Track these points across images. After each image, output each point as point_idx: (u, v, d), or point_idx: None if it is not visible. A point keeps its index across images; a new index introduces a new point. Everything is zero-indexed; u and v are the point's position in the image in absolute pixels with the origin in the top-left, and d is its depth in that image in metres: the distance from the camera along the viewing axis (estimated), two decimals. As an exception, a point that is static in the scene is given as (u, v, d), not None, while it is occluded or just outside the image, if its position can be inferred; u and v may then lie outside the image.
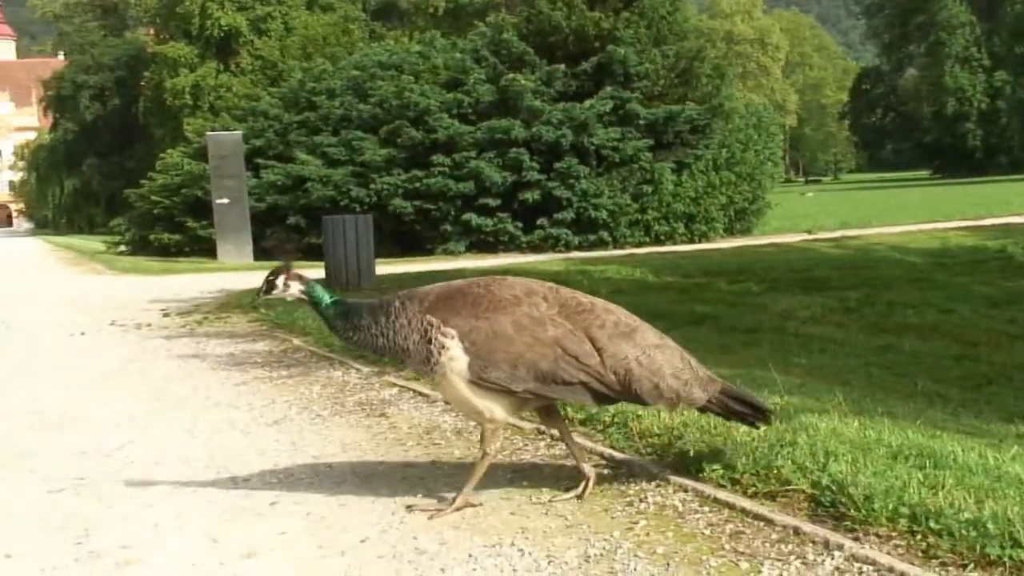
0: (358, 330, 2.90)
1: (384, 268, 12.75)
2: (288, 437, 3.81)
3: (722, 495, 2.73)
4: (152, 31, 67.80)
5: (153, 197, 22.14)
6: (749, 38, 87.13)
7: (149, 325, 8.00)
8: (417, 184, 19.27)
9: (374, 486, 3.10)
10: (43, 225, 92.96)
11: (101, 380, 5.41)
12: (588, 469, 2.92)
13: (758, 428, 3.00)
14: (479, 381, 2.77)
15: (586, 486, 2.88)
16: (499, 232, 19.53)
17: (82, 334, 7.64)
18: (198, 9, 53.96)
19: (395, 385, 4.72)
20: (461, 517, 2.75)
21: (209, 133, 20.27)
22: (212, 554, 2.54)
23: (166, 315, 8.70)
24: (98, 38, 77.24)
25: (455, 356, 2.75)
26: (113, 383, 5.28)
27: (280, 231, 19.47)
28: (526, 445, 3.51)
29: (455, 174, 19.32)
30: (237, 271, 15.66)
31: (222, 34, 54.12)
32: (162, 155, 24.98)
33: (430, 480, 3.16)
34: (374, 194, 19.18)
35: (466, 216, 19.36)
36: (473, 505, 2.83)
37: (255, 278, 12.73)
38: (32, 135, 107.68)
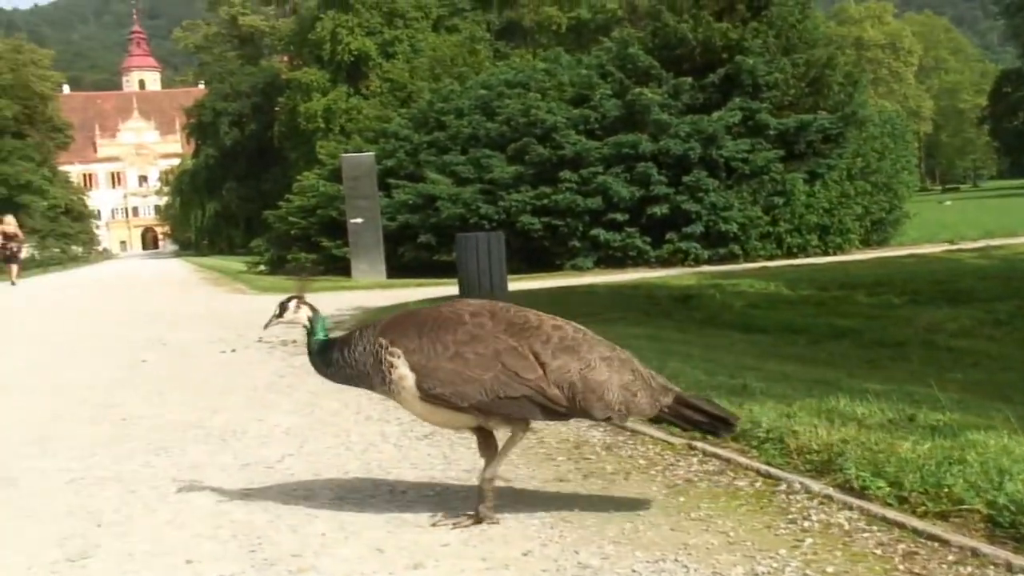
0: (330, 364, 3.03)
1: (514, 284, 12.82)
2: (440, 451, 3.87)
3: (891, 514, 2.65)
4: (286, 58, 70.14)
5: (290, 218, 22.84)
6: (880, 43, 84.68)
7: (295, 342, 8.22)
8: (545, 200, 19.37)
9: (529, 500, 3.13)
10: (186, 247, 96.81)
11: (254, 395, 5.59)
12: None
13: (721, 437, 3.02)
14: (428, 398, 2.85)
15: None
16: (627, 247, 19.46)
17: (232, 351, 7.92)
18: (329, 35, 55.48)
19: (539, 400, 4.75)
20: (621, 532, 2.74)
21: (343, 155, 20.80)
22: (380, 564, 2.61)
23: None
24: (236, 67, 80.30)
25: (404, 375, 2.85)
26: (266, 398, 5.46)
27: (409, 248, 19.82)
28: (678, 461, 3.48)
29: (583, 190, 19.35)
30: (371, 289, 15.98)
31: (352, 59, 55.49)
32: (298, 177, 25.76)
33: (583, 495, 3.17)
34: (503, 211, 19.35)
35: (594, 231, 19.36)
36: (493, 521, 2.89)
37: (389, 296, 12.98)
38: (176, 161, 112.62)
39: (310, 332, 3.14)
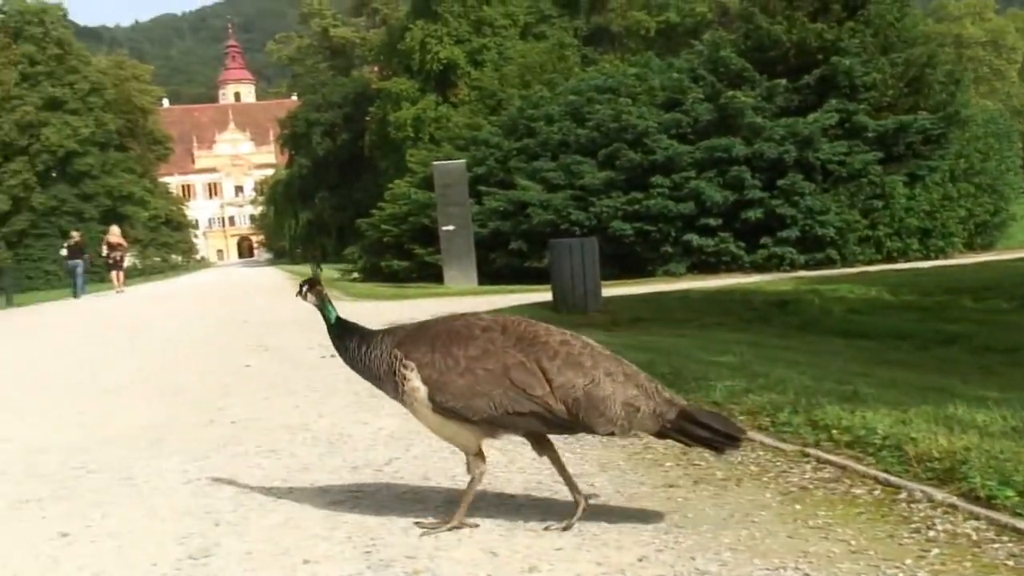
0: (346, 351, 3.18)
1: (606, 290, 12.74)
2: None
3: (1021, 524, 2.55)
4: (376, 68, 71.15)
5: (383, 226, 23.12)
6: (981, 40, 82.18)
7: (392, 348, 8.31)
8: (637, 206, 19.27)
9: (640, 506, 3.11)
10: (280, 255, 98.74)
11: (356, 399, 5.65)
12: (581, 498, 2.99)
13: (723, 454, 3.01)
14: (440, 411, 2.93)
15: (575, 514, 2.95)
16: (721, 252, 19.25)
17: (332, 356, 7.97)
18: (418, 45, 56.05)
19: (642, 405, 4.71)
20: (737, 539, 2.70)
21: (435, 163, 20.98)
22: (494, 567, 2.62)
23: (406, 338, 9.03)
24: (327, 78, 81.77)
25: (416, 387, 2.93)
26: (368, 402, 5.51)
27: (501, 255, 19.92)
28: (791, 468, 3.42)
29: (675, 195, 19.21)
30: (463, 296, 16.06)
31: (441, 67, 55.97)
32: (389, 186, 26.07)
33: (695, 501, 3.13)
34: (594, 217, 19.31)
35: (687, 236, 19.20)
36: (469, 526, 2.97)
37: (481, 302, 13.04)
38: (270, 171, 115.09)
39: (324, 315, 3.32)
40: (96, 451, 4.67)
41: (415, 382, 2.93)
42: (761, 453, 3.64)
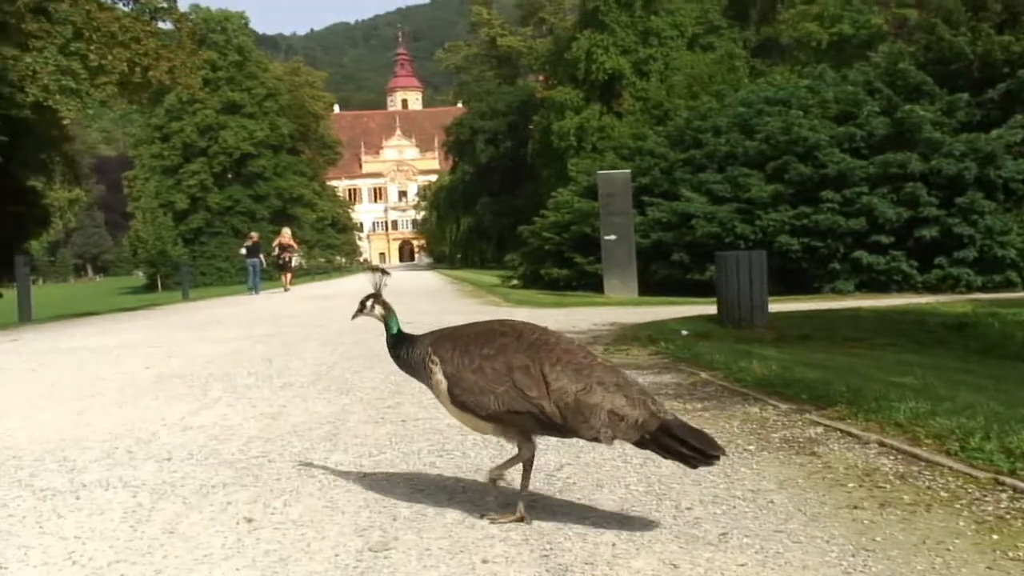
0: (398, 357, 3.47)
1: (773, 306, 12.45)
2: (720, 469, 3.79)
3: None
4: (541, 78, 71.73)
5: (544, 234, 23.24)
6: None
7: (555, 354, 8.34)
8: (805, 220, 18.79)
9: (824, 525, 3.01)
10: (440, 260, 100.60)
11: (524, 404, 5.69)
12: (522, 505, 3.24)
13: (695, 468, 3.12)
14: (456, 403, 3.22)
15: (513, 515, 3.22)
16: (892, 271, 18.57)
17: (496, 360, 8.10)
18: (584, 55, 56.22)
19: (819, 424, 4.58)
20: (931, 566, 2.58)
21: (599, 172, 20.97)
22: (676, 579, 2.58)
23: (568, 345, 9.06)
24: (493, 86, 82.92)
25: (440, 380, 3.23)
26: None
27: (662, 266, 19.75)
28: (984, 495, 3.25)
29: (845, 210, 18.65)
30: (624, 305, 15.98)
31: (606, 77, 56.00)
32: (552, 194, 26.19)
33: (882, 524, 3.01)
34: (759, 231, 18.92)
35: (856, 253, 18.61)
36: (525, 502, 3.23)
37: (642, 313, 12.93)
38: (434, 177, 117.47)
39: (387, 326, 3.51)
40: (276, 442, 4.86)
41: (439, 375, 3.23)
42: (950, 479, 3.47)
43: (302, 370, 8.01)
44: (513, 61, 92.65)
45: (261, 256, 31.65)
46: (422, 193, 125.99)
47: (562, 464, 4.02)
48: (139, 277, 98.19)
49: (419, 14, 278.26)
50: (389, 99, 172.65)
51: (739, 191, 19.60)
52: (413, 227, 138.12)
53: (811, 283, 18.99)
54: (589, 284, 20.73)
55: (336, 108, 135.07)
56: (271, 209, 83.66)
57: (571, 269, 21.92)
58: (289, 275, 32.01)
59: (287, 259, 31.63)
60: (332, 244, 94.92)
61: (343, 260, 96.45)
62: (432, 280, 40.08)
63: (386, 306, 3.53)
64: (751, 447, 4.21)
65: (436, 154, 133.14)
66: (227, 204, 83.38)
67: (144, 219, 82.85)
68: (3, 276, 25.11)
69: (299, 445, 4.74)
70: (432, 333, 3.41)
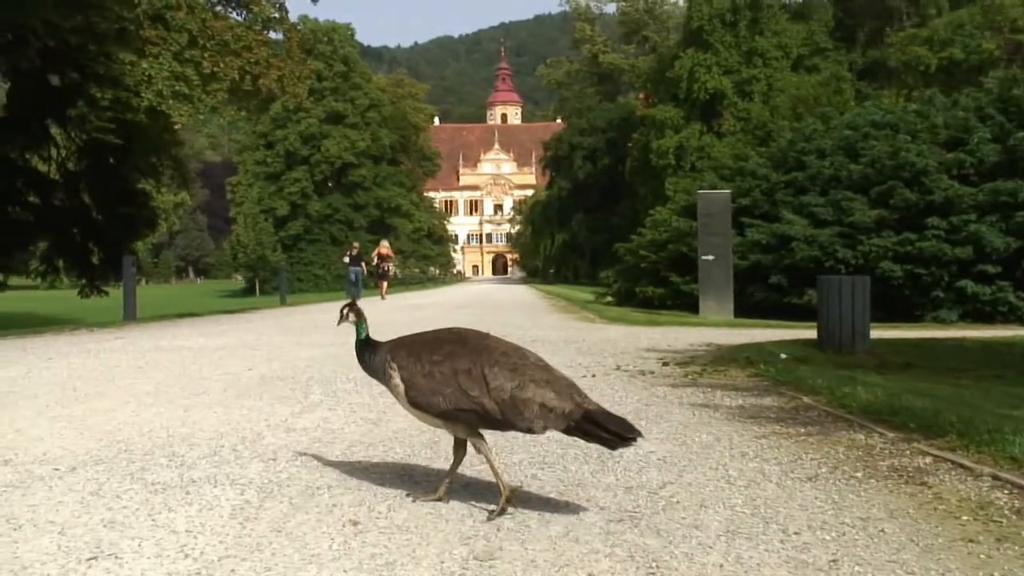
0: (363, 360, 3.81)
1: (873, 332, 12.14)
2: (827, 495, 3.72)
3: None
4: (642, 96, 71.48)
5: (641, 251, 23.10)
6: None
7: (652, 373, 8.29)
8: (908, 247, 18.31)
9: (939, 558, 2.92)
10: (533, 274, 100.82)
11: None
12: (445, 492, 3.75)
13: (615, 449, 3.54)
14: (412, 404, 3.59)
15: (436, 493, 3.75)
16: (998, 301, 17.98)
17: (592, 376, 8.10)
18: (686, 73, 55.91)
19: (928, 454, 4.45)
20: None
21: (699, 191, 20.78)
22: (785, 604, 2.53)
23: (665, 364, 8.99)
24: (593, 103, 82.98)
25: (397, 384, 3.61)
26: (637, 424, 5.49)
27: (759, 289, 19.47)
28: (1109, 538, 3.12)
29: (951, 238, 18.12)
30: (719, 327, 15.78)
31: (707, 97, 55.60)
32: (650, 212, 26.06)
33: (1001, 560, 2.90)
34: (861, 256, 18.51)
35: (961, 283, 18.06)
36: (511, 504, 3.55)
37: (739, 335, 12.75)
38: (529, 192, 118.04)
39: (356, 331, 3.90)
40: (378, 447, 4.92)
41: (396, 379, 3.61)
42: (1073, 519, 3.34)
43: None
44: (614, 78, 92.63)
45: (363, 265, 33.04)
46: (517, 207, 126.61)
47: (665, 482, 3.99)
48: (238, 281, 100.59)
49: (522, 29, 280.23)
50: (489, 113, 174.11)
51: (842, 215, 19.19)
52: (507, 241, 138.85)
53: (913, 311, 18.48)
54: (684, 304, 20.52)
55: (436, 120, 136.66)
56: (369, 218, 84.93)
57: (666, 288, 21.73)
58: (385, 284, 33.49)
59: (385, 268, 33.17)
60: (427, 255, 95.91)
61: (437, 271, 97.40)
62: (525, 294, 40.17)
63: (359, 314, 3.96)
64: (858, 474, 4.11)
65: (533, 169, 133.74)
66: (326, 212, 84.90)
67: (245, 224, 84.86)
68: (111, 275, 25.93)
69: (401, 451, 4.79)
70: (391, 341, 3.82)
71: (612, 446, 3.43)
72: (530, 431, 3.41)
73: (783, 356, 9.34)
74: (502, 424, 3.44)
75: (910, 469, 4.19)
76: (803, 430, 5.25)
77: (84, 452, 4.76)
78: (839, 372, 7.86)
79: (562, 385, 3.42)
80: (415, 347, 3.65)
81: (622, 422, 3.40)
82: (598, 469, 4.28)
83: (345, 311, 4.01)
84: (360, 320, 3.92)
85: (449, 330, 3.78)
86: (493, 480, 3.55)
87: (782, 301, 19.04)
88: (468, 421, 3.51)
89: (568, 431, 3.38)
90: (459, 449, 3.73)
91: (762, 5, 56.52)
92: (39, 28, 17.79)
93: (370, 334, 3.87)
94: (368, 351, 3.80)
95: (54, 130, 24.51)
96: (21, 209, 24.45)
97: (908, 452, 4.55)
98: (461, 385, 3.45)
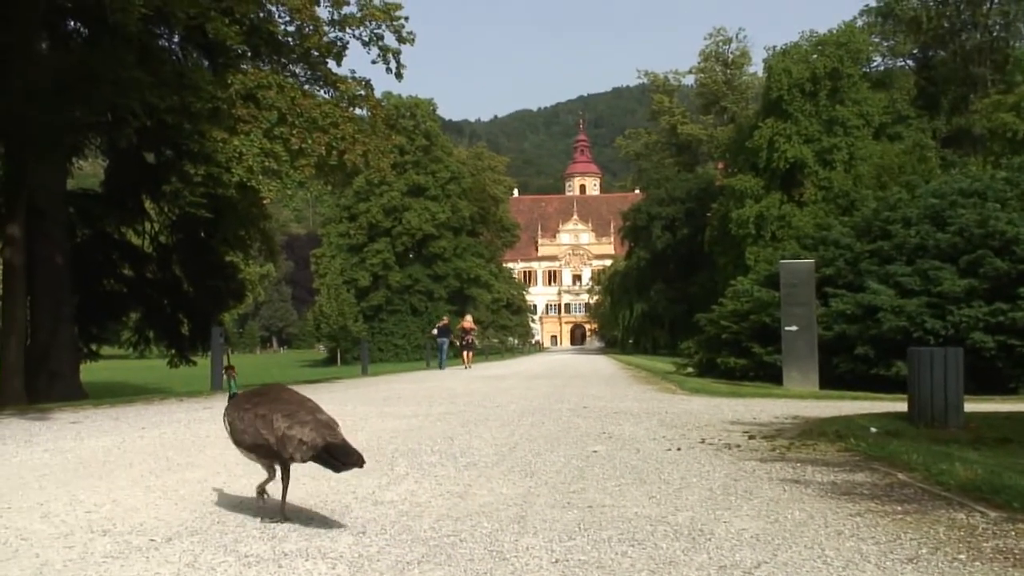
0: (226, 414, 4.85)
1: (967, 405, 11.79)
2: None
3: None
4: (721, 165, 71.47)
5: (722, 322, 22.87)
6: None
7: (738, 446, 8.16)
8: (1001, 317, 17.83)
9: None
10: (611, 344, 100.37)
11: (711, 496, 5.57)
12: (281, 516, 4.84)
13: (338, 472, 4.61)
14: (235, 443, 4.74)
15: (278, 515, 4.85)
16: (1094, 373, 17.34)
17: (677, 449, 8.00)
18: (766, 143, 55.78)
19: (1035, 536, 4.29)
20: None
21: (782, 261, 20.55)
22: None
23: (751, 437, 8.84)
24: (672, 173, 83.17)
25: (226, 426, 4.80)
26: (724, 501, 5.42)
27: (845, 360, 19.08)
28: None
29: (1047, 308, 17.61)
30: (804, 398, 15.48)
31: (787, 166, 55.33)
32: (731, 282, 25.84)
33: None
34: (951, 326, 18.06)
35: (1057, 354, 17.48)
36: (286, 520, 4.82)
37: (825, 407, 12.49)
38: (608, 262, 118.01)
39: (229, 388, 5.17)
40: (465, 521, 4.91)
41: (226, 423, 4.80)
42: None
43: (484, 450, 8.09)
44: (692, 148, 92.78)
45: (450, 337, 36.67)
46: (596, 277, 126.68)
47: (759, 562, 3.90)
48: (320, 351, 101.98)
49: (600, 102, 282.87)
50: (567, 184, 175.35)
51: (929, 284, 18.79)
52: (585, 311, 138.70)
53: (1007, 383, 17.90)
54: (767, 375, 20.19)
55: (515, 192, 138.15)
56: (449, 289, 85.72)
57: (749, 359, 21.42)
58: (470, 354, 36.28)
59: (469, 340, 36.03)
60: (506, 325, 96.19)
61: (515, 341, 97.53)
62: (604, 365, 39.96)
63: (232, 376, 5.27)
64: (961, 556, 3.98)
65: (611, 239, 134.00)
66: (407, 283, 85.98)
67: (328, 295, 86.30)
68: (199, 345, 26.54)
69: (488, 526, 4.77)
70: (234, 397, 4.94)
71: (337, 469, 4.49)
72: (292, 460, 4.51)
73: (873, 430, 9.12)
74: (280, 455, 4.52)
75: (1016, 551, 4.04)
76: (900, 508, 5.10)
77: (179, 523, 4.84)
78: (933, 447, 7.64)
79: (318, 425, 4.48)
80: (240, 399, 4.80)
81: (349, 454, 4.44)
82: (689, 547, 4.21)
83: (226, 373, 5.30)
84: (231, 380, 5.23)
85: (266, 385, 5.02)
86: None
87: (868, 372, 18.62)
88: (263, 453, 4.59)
89: (315, 459, 4.44)
90: (284, 478, 4.74)
91: (842, 74, 56.29)
92: (137, 109, 18.51)
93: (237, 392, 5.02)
94: (228, 407, 4.90)
95: (148, 205, 25.39)
96: (115, 281, 25.26)
97: (1013, 533, 4.39)
98: (259, 427, 4.53)
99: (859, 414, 11.54)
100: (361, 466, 4.47)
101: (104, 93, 18.28)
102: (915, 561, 3.88)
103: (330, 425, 4.51)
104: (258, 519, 4.84)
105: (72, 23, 22.86)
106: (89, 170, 34.42)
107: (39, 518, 5.05)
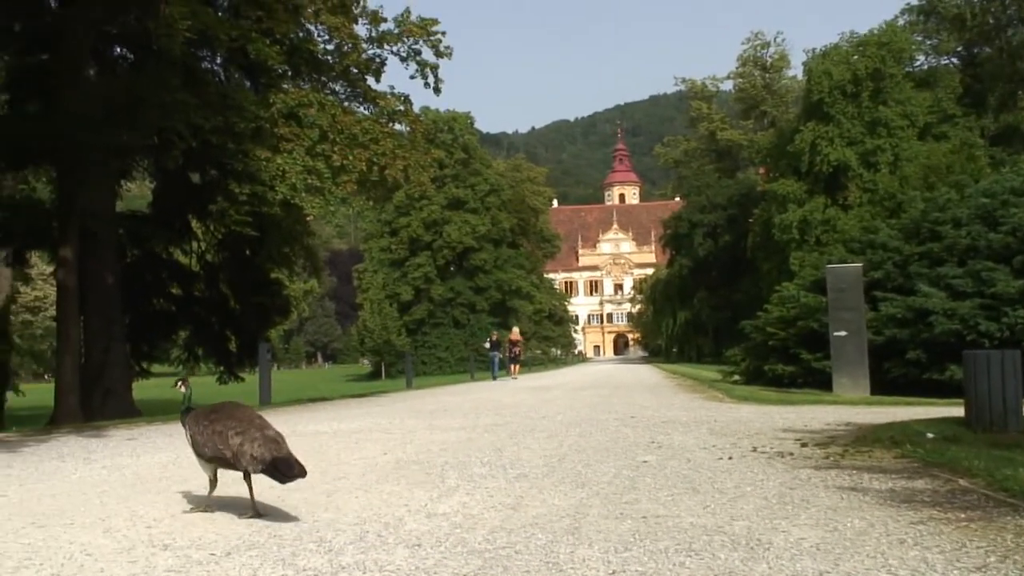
0: (183, 423, 5.47)
1: (1025, 409, 11.57)
2: (999, 587, 3.52)
3: None
4: (762, 170, 70.97)
5: (769, 328, 22.64)
6: None
7: (791, 454, 8.06)
8: (1058, 318, 17.50)
9: None
10: (655, 353, 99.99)
11: (767, 505, 5.50)
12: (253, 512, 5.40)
13: (283, 483, 5.16)
14: (196, 454, 5.37)
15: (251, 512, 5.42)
16: None
17: (729, 458, 7.91)
18: (808, 147, 55.33)
19: (1110, 544, 4.18)
20: None
21: (828, 266, 20.32)
22: None
23: (803, 445, 8.73)
24: (712, 180, 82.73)
25: (188, 437, 5.38)
26: (781, 509, 5.34)
27: (896, 364, 18.84)
28: None
29: (1103, 307, 17.24)
30: (855, 405, 15.28)
31: (831, 169, 54.84)
32: (776, 288, 25.60)
33: None
34: (1006, 328, 17.72)
35: (1117, 356, 17.03)
36: (210, 511, 5.61)
37: (877, 413, 12.30)
38: (649, 271, 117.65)
39: (184, 400, 5.64)
40: (519, 533, 4.88)
41: (187, 434, 5.38)
42: None
43: (533, 461, 8.06)
44: (733, 154, 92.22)
45: (500, 349, 39.52)
46: (637, 286, 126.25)
47: (821, 572, 3.83)
48: (364, 365, 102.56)
49: (637, 110, 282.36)
50: (607, 193, 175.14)
51: (983, 286, 18.47)
52: (628, 320, 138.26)
53: (1065, 386, 17.57)
54: (816, 381, 19.95)
55: (555, 203, 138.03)
56: (491, 301, 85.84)
57: (797, 365, 21.18)
58: (517, 366, 38.57)
59: (517, 353, 38.50)
60: (548, 336, 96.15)
61: (558, 352, 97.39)
62: (649, 374, 39.76)
63: (188, 386, 5.73)
64: (1031, 564, 3.88)
65: (653, 247, 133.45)
66: (449, 296, 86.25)
67: (371, 310, 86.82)
68: (247, 361, 26.79)
69: (543, 537, 4.74)
70: (190, 410, 5.48)
71: (282, 480, 5.04)
72: (247, 471, 5.09)
73: (930, 435, 8.97)
74: (235, 467, 5.09)
75: (1089, 558, 3.94)
76: (963, 515, 5.00)
77: (236, 537, 4.87)
78: (994, 452, 7.49)
79: (268, 441, 5.04)
80: (198, 414, 5.34)
81: (291, 467, 4.97)
82: (748, 557, 4.15)
83: (178, 383, 5.76)
84: (187, 390, 5.69)
85: (223, 402, 5.48)
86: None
87: (921, 377, 18.33)
88: (222, 464, 5.21)
89: (265, 471, 4.98)
90: (247, 482, 5.33)
91: (885, 75, 55.72)
92: (183, 130, 18.76)
93: (191, 404, 5.59)
94: (184, 415, 5.49)
95: (195, 224, 25.71)
96: (164, 300, 25.57)
97: (1086, 541, 4.28)
98: (216, 442, 5.10)
99: (914, 420, 11.35)
100: (304, 476, 5.01)
101: (151, 117, 18.57)
102: (984, 570, 3.79)
103: (277, 441, 5.08)
104: (242, 519, 5.32)
105: (118, 49, 23.24)
106: (137, 192, 34.93)
107: (102, 533, 5.11)
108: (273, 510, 5.67)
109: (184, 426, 5.42)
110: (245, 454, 4.97)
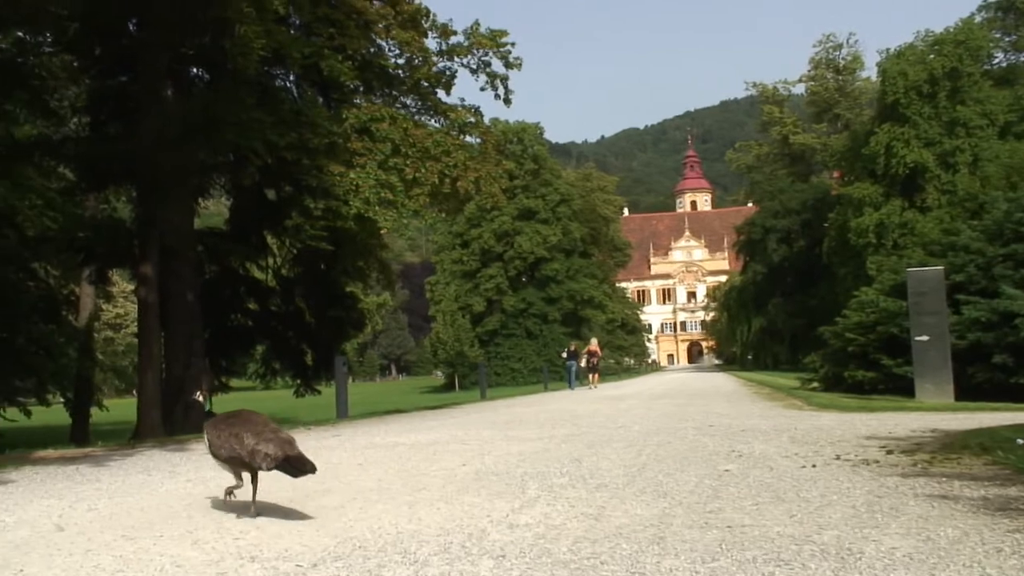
0: (205, 431, 5.76)
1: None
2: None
3: None
4: (837, 174, 69.94)
5: (847, 334, 22.27)
6: None
7: (877, 462, 7.90)
8: None
9: None
10: (730, 361, 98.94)
11: (855, 513, 5.39)
12: (253, 508, 5.84)
13: (295, 477, 5.53)
14: (214, 456, 5.66)
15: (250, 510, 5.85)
16: None
17: (813, 466, 7.78)
18: (883, 149, 54.39)
19: None
20: None
21: (909, 270, 19.92)
22: None
23: (889, 452, 8.55)
24: (786, 184, 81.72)
25: (206, 441, 5.70)
26: (870, 518, 5.23)
27: (981, 369, 18.38)
28: None
29: None
30: (940, 411, 14.91)
31: (907, 171, 53.81)
32: (855, 293, 25.16)
33: None
34: (1095, 331, 17.20)
35: None
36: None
37: (963, 419, 12.03)
38: (723, 278, 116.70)
39: (204, 407, 6.34)
40: (603, 543, 4.85)
41: (205, 438, 5.72)
42: None
43: (613, 471, 8.02)
44: (806, 158, 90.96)
45: (578, 360, 40.03)
46: (711, 294, 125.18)
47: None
48: (438, 377, 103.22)
49: (707, 116, 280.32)
50: (678, 201, 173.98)
51: (1070, 288, 17.99)
52: (701, 328, 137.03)
53: None
54: (897, 387, 19.54)
55: (626, 211, 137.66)
56: (563, 311, 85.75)
57: (877, 371, 20.78)
58: (596, 375, 39.97)
59: (595, 363, 39.86)
60: (621, 345, 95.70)
61: (631, 361, 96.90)
62: (724, 382, 39.35)
63: (206, 396, 6.42)
64: None
65: (726, 254, 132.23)
66: (521, 307, 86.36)
67: (444, 322, 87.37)
68: (323, 375, 27.14)
69: (627, 548, 4.70)
70: (211, 416, 5.89)
71: (294, 475, 5.44)
72: (261, 468, 5.41)
73: (1020, 441, 8.72)
74: (249, 466, 5.47)
75: None
76: (1061, 524, 4.85)
77: (322, 549, 4.92)
78: (1089, 458, 7.25)
79: (280, 441, 5.41)
80: (216, 420, 5.71)
81: (304, 463, 5.34)
82: (839, 567, 4.06)
83: (199, 394, 6.41)
84: (207, 399, 6.39)
85: (239, 410, 5.88)
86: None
87: (1008, 382, 17.86)
88: (236, 463, 5.54)
89: (278, 467, 5.34)
90: (254, 482, 5.72)
91: (962, 73, 54.51)
92: (259, 148, 19.12)
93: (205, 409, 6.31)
94: (205, 421, 5.88)
95: (271, 240, 26.14)
96: (242, 315, 26.04)
97: None
98: (232, 443, 5.44)
99: (1003, 425, 11.05)
100: (314, 472, 5.37)
101: (227, 135, 18.96)
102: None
103: (289, 441, 5.48)
104: (240, 518, 5.73)
105: (195, 70, 23.78)
106: (213, 209, 35.66)
107: (190, 545, 5.20)
108: (354, 521, 5.73)
109: (202, 430, 5.88)
110: (259, 452, 5.33)
